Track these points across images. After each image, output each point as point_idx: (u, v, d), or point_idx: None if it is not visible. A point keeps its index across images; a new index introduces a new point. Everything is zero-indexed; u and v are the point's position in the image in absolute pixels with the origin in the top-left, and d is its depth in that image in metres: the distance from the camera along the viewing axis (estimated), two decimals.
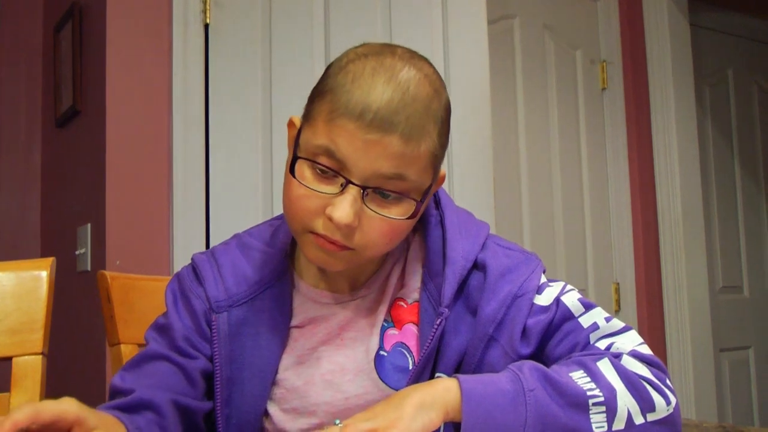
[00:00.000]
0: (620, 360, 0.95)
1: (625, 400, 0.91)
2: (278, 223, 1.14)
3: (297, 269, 1.11)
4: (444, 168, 1.06)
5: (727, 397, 3.69)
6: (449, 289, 1.03)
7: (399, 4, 2.51)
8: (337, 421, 1.02)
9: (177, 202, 2.38)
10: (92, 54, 2.49)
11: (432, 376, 1.02)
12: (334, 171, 0.94)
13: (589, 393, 0.90)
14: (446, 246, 1.06)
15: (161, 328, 1.08)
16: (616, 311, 3.46)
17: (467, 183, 2.35)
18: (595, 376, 0.92)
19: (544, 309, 1.03)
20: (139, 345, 1.33)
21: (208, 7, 2.46)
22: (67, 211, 2.73)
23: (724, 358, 3.72)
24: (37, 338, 1.21)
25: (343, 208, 0.93)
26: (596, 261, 3.44)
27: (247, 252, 1.11)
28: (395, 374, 1.04)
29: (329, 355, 1.06)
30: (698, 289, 3.51)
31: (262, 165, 2.46)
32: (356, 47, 1.01)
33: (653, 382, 0.94)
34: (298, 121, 1.03)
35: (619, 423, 0.90)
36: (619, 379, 0.92)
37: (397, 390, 0.99)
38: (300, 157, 0.97)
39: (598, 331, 1.01)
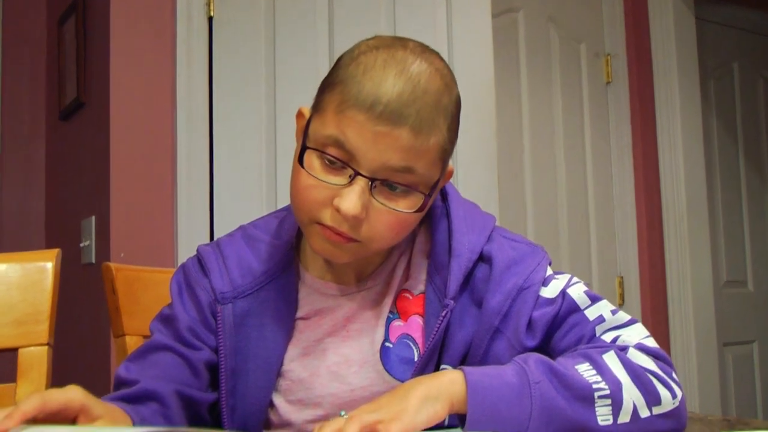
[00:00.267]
0: (626, 353, 0.95)
1: (631, 393, 0.91)
2: (284, 215, 1.14)
3: (302, 261, 1.11)
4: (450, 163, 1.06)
5: (730, 390, 3.69)
6: (455, 281, 1.03)
7: None
8: (343, 413, 1.02)
9: (181, 194, 2.38)
10: (96, 47, 2.49)
11: (437, 368, 1.03)
12: (342, 162, 0.94)
13: (594, 386, 0.90)
14: (452, 238, 1.06)
15: (166, 319, 1.08)
16: (620, 305, 3.45)
17: (471, 176, 2.35)
18: (601, 369, 0.92)
19: (550, 301, 1.02)
20: (144, 336, 1.33)
21: (212, 0, 2.46)
22: (72, 204, 2.73)
23: (728, 352, 3.71)
24: (42, 329, 1.22)
25: (351, 199, 0.93)
26: (600, 255, 3.44)
27: (252, 244, 1.10)
28: (400, 366, 1.05)
29: (335, 347, 1.06)
30: (702, 283, 3.50)
31: (266, 157, 2.45)
32: (368, 39, 1.00)
33: (659, 375, 0.94)
34: (307, 112, 1.03)
35: (625, 416, 0.90)
36: (624, 372, 0.92)
37: (402, 381, 0.99)
38: (309, 147, 0.97)
39: (604, 323, 1.01)
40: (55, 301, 1.24)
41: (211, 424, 1.06)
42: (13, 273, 1.23)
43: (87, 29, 2.59)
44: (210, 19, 2.47)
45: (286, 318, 1.07)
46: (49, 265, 1.25)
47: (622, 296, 3.47)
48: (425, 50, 0.99)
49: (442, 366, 1.03)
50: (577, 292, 1.04)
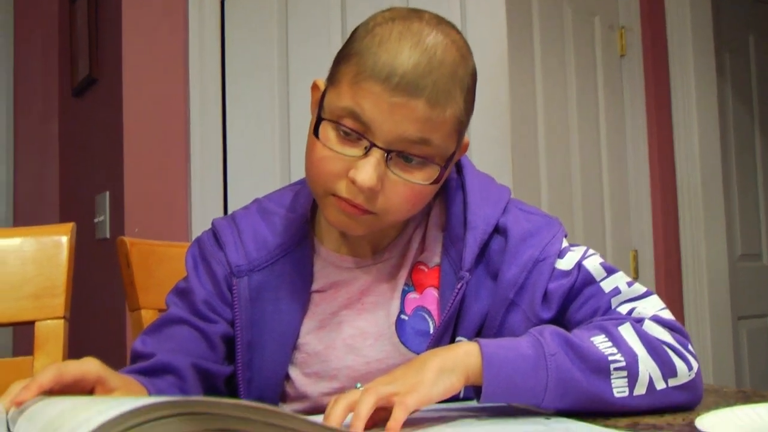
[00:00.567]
0: (642, 325, 0.95)
1: (647, 365, 0.91)
2: (299, 188, 1.14)
3: (317, 234, 1.11)
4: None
5: (745, 364, 3.69)
6: (470, 253, 1.03)
7: None
8: (359, 385, 1.03)
9: (195, 169, 2.38)
10: (108, 24, 2.49)
11: (452, 341, 1.03)
12: (358, 134, 0.94)
13: (610, 358, 0.90)
14: (467, 210, 1.05)
15: (182, 292, 1.08)
16: (634, 279, 3.43)
17: (485, 151, 2.34)
18: (617, 341, 0.92)
19: (566, 273, 1.02)
20: (160, 310, 1.33)
21: None
22: (86, 180, 2.74)
23: (743, 326, 3.70)
24: (58, 303, 1.22)
25: (367, 171, 0.93)
26: (614, 229, 3.43)
27: (267, 217, 1.10)
28: (416, 338, 1.05)
29: (350, 320, 1.07)
30: (717, 256, 3.49)
31: (279, 130, 2.45)
32: (383, 11, 1.00)
33: (675, 347, 0.94)
34: (322, 84, 1.02)
35: (641, 388, 0.90)
36: (640, 344, 0.92)
37: (418, 354, 0.99)
38: (324, 119, 0.96)
39: (619, 295, 1.01)
40: (71, 274, 1.25)
41: (227, 396, 1.06)
42: (28, 247, 1.24)
43: (99, 6, 2.58)
44: None
45: (302, 291, 1.07)
46: (64, 239, 1.25)
47: (636, 270, 3.46)
48: (441, 22, 0.99)
49: (458, 338, 1.03)
50: (593, 264, 1.03)
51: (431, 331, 1.05)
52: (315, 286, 1.08)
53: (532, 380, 0.88)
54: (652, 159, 3.54)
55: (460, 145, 1.02)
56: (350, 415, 0.81)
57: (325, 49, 2.35)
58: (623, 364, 0.90)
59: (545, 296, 1.01)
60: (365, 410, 0.80)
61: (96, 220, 2.50)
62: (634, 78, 3.54)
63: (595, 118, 3.42)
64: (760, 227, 3.91)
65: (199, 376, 1.01)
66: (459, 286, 1.02)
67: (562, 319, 1.02)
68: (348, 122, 0.94)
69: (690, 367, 0.93)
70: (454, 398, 0.91)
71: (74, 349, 1.22)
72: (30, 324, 1.22)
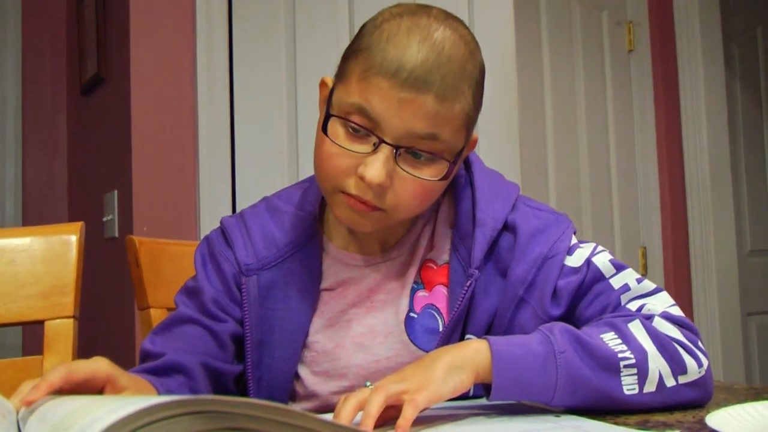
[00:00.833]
0: (652, 321, 0.94)
1: (657, 362, 0.90)
2: (307, 185, 1.14)
3: (326, 232, 1.11)
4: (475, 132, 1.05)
5: (754, 360, 3.68)
6: (479, 250, 1.03)
7: None
8: (368, 383, 1.03)
9: (203, 167, 2.38)
10: (116, 21, 2.49)
11: (462, 338, 1.02)
12: (366, 130, 0.94)
13: (620, 355, 0.90)
14: (476, 207, 1.05)
15: (191, 291, 1.08)
16: (643, 275, 3.42)
17: (493, 146, 2.34)
18: (627, 338, 0.91)
19: (575, 270, 1.02)
20: (169, 309, 1.34)
21: None
22: (94, 179, 2.74)
23: (752, 321, 3.69)
24: (68, 301, 1.22)
25: (376, 167, 0.93)
26: (623, 225, 3.42)
27: (276, 215, 1.10)
28: (425, 336, 1.05)
29: (360, 318, 1.06)
30: (726, 252, 3.48)
31: (287, 128, 2.45)
32: (391, 7, 1.00)
33: (685, 344, 0.93)
34: (330, 81, 1.02)
35: (651, 385, 0.90)
36: (650, 340, 0.92)
37: (427, 352, 0.99)
38: (333, 115, 0.96)
39: (629, 292, 1.00)
40: (80, 273, 1.25)
41: (237, 395, 1.06)
42: (37, 246, 1.24)
43: (106, 4, 2.58)
44: None
45: (311, 289, 1.07)
46: (73, 238, 1.26)
47: (645, 266, 3.46)
48: (449, 17, 0.99)
49: (467, 336, 1.03)
50: (602, 260, 1.03)
51: (440, 329, 1.04)
52: (324, 284, 1.08)
53: (541, 378, 0.88)
54: (660, 154, 3.53)
55: (469, 141, 1.02)
56: (360, 414, 0.81)
57: (333, 45, 2.35)
58: (633, 361, 0.89)
59: (555, 293, 1.01)
60: (375, 408, 0.80)
61: (105, 219, 2.51)
62: (642, 73, 3.53)
63: (604, 113, 3.41)
64: None
65: (208, 376, 1.02)
66: (468, 284, 1.02)
67: (571, 316, 1.02)
68: (356, 118, 0.94)
69: (700, 364, 0.92)
70: (464, 396, 0.91)
71: (84, 349, 1.22)
72: (39, 323, 1.22)
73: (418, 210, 1.01)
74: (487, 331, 1.03)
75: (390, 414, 0.82)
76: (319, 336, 1.06)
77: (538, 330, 0.92)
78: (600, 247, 1.06)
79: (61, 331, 1.21)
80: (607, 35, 3.46)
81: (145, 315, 1.37)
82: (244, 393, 1.06)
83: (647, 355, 0.90)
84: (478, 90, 0.99)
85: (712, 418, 0.76)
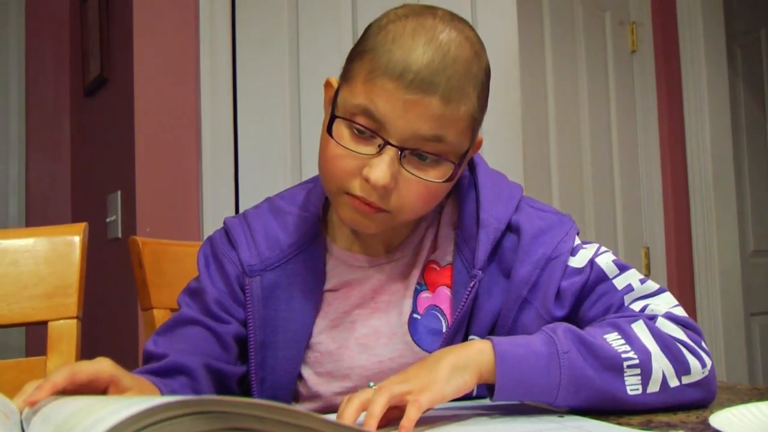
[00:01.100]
0: (655, 322, 0.94)
1: (660, 363, 0.90)
2: (311, 186, 1.14)
3: (330, 233, 1.11)
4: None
5: (758, 360, 3.67)
6: (483, 251, 1.03)
7: None
8: (371, 384, 1.02)
9: (206, 168, 2.39)
10: (119, 22, 2.49)
11: (465, 339, 1.02)
12: (371, 131, 0.94)
13: (623, 355, 0.89)
14: (480, 209, 1.05)
15: (194, 292, 1.08)
16: (646, 276, 3.42)
17: (496, 147, 2.33)
18: (630, 339, 0.91)
19: (578, 271, 1.02)
20: (172, 309, 1.34)
21: None
22: (97, 179, 2.74)
23: (755, 322, 3.68)
24: (71, 302, 1.23)
25: (381, 169, 0.92)
26: (626, 225, 3.42)
27: (279, 216, 1.10)
28: (429, 337, 1.05)
29: (363, 319, 1.06)
30: (729, 252, 3.48)
31: (290, 129, 2.45)
32: (396, 8, 1.00)
33: (688, 344, 0.93)
34: (335, 82, 1.02)
35: (654, 385, 0.90)
36: (653, 341, 0.92)
37: (430, 353, 0.99)
38: (338, 117, 0.96)
39: (632, 292, 1.00)
40: (83, 274, 1.25)
41: (240, 396, 1.06)
42: (41, 247, 1.24)
43: (110, 5, 2.59)
44: None
45: (314, 290, 1.07)
46: (77, 239, 1.26)
47: (648, 267, 3.45)
48: (454, 18, 0.98)
49: (471, 337, 1.02)
50: (606, 261, 1.03)
51: (444, 330, 1.04)
52: (327, 285, 1.08)
53: (545, 378, 0.88)
54: (663, 155, 3.53)
55: (474, 143, 1.02)
56: (363, 414, 0.81)
57: (335, 47, 2.35)
58: (636, 361, 0.89)
59: (558, 294, 1.01)
60: (378, 409, 0.79)
61: (108, 220, 2.51)
62: (645, 73, 3.52)
63: (607, 113, 3.41)
64: None
65: (211, 377, 1.01)
66: (472, 285, 1.02)
67: (575, 316, 1.02)
68: (361, 120, 0.94)
69: (703, 365, 0.92)
70: (467, 396, 0.90)
71: (87, 349, 1.23)
72: (43, 324, 1.22)
73: (422, 211, 1.01)
74: (491, 331, 1.03)
75: (393, 414, 0.82)
76: (322, 337, 1.06)
77: (542, 330, 0.92)
78: (603, 248, 1.06)
79: (65, 331, 1.21)
80: (610, 36, 3.46)
81: (148, 316, 1.37)
82: (247, 394, 1.06)
83: (651, 356, 0.90)
84: (483, 92, 0.99)
85: (716, 419, 0.76)
